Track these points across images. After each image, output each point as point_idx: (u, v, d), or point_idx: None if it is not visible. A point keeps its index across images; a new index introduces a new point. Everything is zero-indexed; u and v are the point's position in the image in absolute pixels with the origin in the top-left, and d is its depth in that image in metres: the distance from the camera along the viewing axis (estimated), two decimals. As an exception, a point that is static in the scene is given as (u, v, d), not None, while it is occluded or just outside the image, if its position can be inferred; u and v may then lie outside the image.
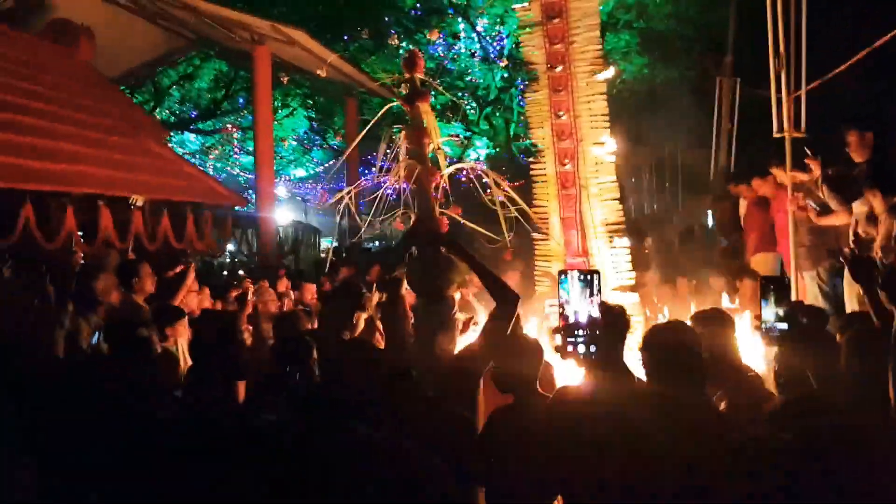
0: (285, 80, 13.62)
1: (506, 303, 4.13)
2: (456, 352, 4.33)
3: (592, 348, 2.72)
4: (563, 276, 2.82)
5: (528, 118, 6.47)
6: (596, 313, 2.74)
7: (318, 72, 11.97)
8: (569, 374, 4.62)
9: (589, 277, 2.78)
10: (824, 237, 7.38)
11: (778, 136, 7.27)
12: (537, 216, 6.10)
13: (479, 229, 5.31)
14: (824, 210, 7.02)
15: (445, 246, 4.58)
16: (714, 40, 14.71)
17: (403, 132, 4.99)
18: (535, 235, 6.13)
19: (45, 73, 11.05)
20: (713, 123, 12.25)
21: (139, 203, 8.80)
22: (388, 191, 5.02)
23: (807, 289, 7.42)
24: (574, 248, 6.04)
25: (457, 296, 4.75)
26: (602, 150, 6.02)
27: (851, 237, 6.52)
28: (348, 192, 5.17)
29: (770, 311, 2.75)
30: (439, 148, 5.14)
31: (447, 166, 5.19)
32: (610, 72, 6.10)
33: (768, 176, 8.60)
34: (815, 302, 7.22)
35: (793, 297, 5.17)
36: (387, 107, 5.67)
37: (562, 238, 6.08)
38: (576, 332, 2.74)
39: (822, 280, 7.39)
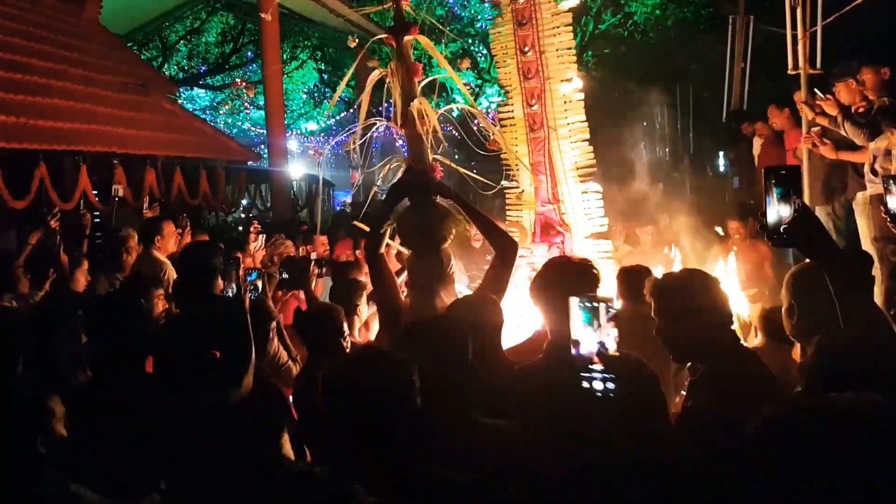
0: None
1: (506, 251, 4.01)
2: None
3: (610, 386, 2.27)
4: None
5: (494, 56, 6.06)
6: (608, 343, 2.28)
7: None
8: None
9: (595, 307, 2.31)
10: (840, 172, 7.33)
11: (793, 73, 7.18)
12: (506, 163, 5.76)
13: (473, 175, 4.93)
14: (840, 146, 6.93)
15: (441, 194, 4.24)
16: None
17: (390, 68, 4.47)
18: (504, 183, 5.78)
19: (52, 32, 11.02)
20: (725, 63, 12.07)
21: (121, 193, 8.79)
22: (377, 134, 4.69)
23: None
24: (544, 195, 5.69)
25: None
26: (570, 87, 5.65)
27: (868, 173, 6.47)
28: (330, 145, 4.85)
29: (778, 208, 2.18)
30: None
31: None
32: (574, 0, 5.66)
33: (784, 108, 8.55)
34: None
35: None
36: (370, 41, 5.01)
37: (532, 184, 5.74)
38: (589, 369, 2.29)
39: (837, 216, 7.36)
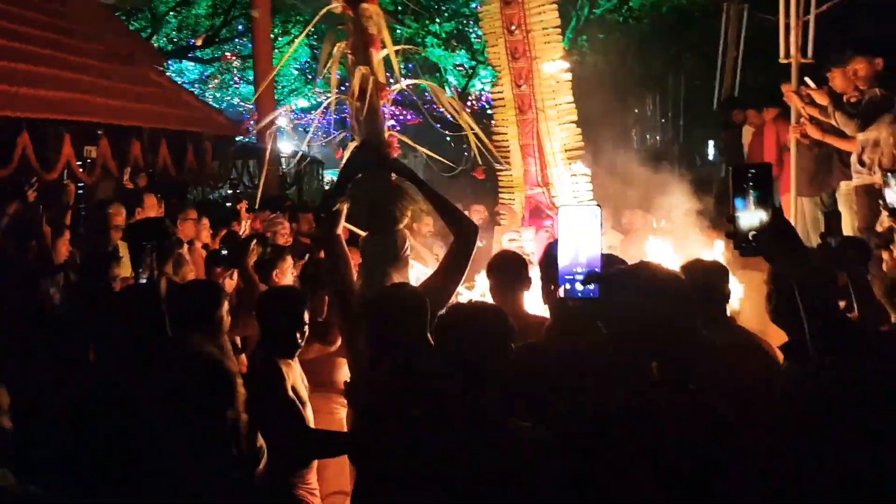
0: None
1: (465, 235, 3.79)
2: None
3: (591, 287, 2.24)
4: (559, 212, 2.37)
5: (483, 35, 6.04)
6: (595, 249, 2.25)
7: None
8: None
9: (588, 212, 2.30)
10: (827, 163, 7.34)
11: (785, 61, 7.16)
12: (497, 145, 5.67)
13: (434, 155, 4.72)
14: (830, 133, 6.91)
15: (397, 172, 4.05)
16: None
17: (346, 41, 4.28)
18: (497, 166, 5.72)
19: (39, -2, 10.85)
20: (718, 51, 12.03)
21: (93, 155, 8.67)
22: (327, 112, 4.42)
23: (806, 214, 7.41)
24: (533, 179, 5.69)
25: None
26: (556, 67, 5.64)
27: (856, 164, 6.48)
28: (277, 115, 4.59)
29: (750, 213, 1.97)
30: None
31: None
32: None
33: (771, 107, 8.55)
34: (816, 226, 7.23)
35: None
36: (324, 10, 4.64)
37: (521, 168, 5.73)
38: (574, 270, 2.26)
39: (824, 205, 7.38)
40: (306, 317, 3.72)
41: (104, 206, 6.45)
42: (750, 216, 1.97)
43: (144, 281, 3.30)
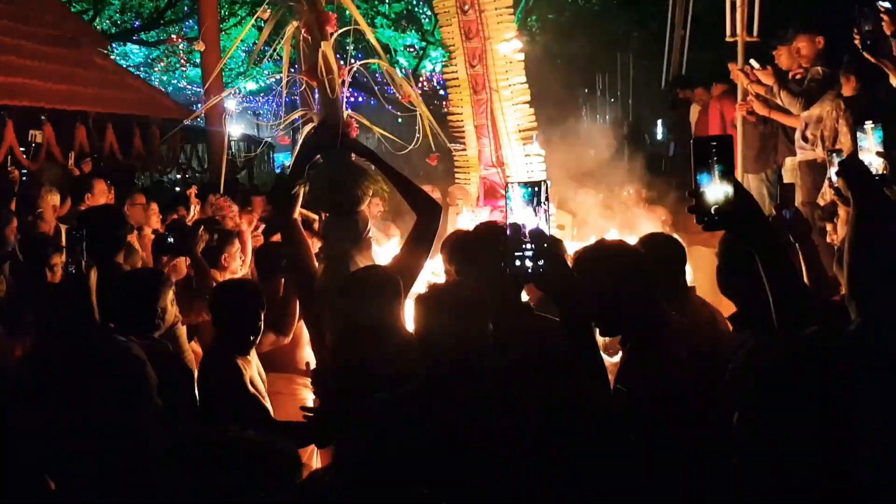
0: None
1: (428, 214, 3.75)
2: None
3: (540, 263, 2.24)
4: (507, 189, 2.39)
5: (437, 16, 6.06)
6: (543, 225, 2.25)
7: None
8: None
9: (535, 188, 2.30)
10: (772, 139, 7.50)
11: (731, 40, 7.28)
12: (451, 125, 5.76)
13: (390, 136, 4.59)
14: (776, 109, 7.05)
15: (357, 152, 4.02)
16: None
17: (302, 20, 4.23)
18: (453, 146, 5.76)
19: (-25, -20, 10.52)
20: (666, 30, 12.13)
21: (38, 139, 8.47)
22: (279, 94, 4.36)
23: (753, 190, 7.57)
24: (487, 159, 5.74)
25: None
26: (510, 47, 5.68)
27: (799, 140, 6.64)
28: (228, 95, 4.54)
29: (715, 187, 1.92)
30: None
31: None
32: None
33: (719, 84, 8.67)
34: (762, 202, 7.41)
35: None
36: None
37: (476, 148, 5.78)
38: (522, 247, 2.26)
39: (769, 182, 7.55)
40: (261, 314, 3.62)
41: (33, 191, 6.36)
42: (713, 190, 1.92)
43: (73, 270, 3.20)
